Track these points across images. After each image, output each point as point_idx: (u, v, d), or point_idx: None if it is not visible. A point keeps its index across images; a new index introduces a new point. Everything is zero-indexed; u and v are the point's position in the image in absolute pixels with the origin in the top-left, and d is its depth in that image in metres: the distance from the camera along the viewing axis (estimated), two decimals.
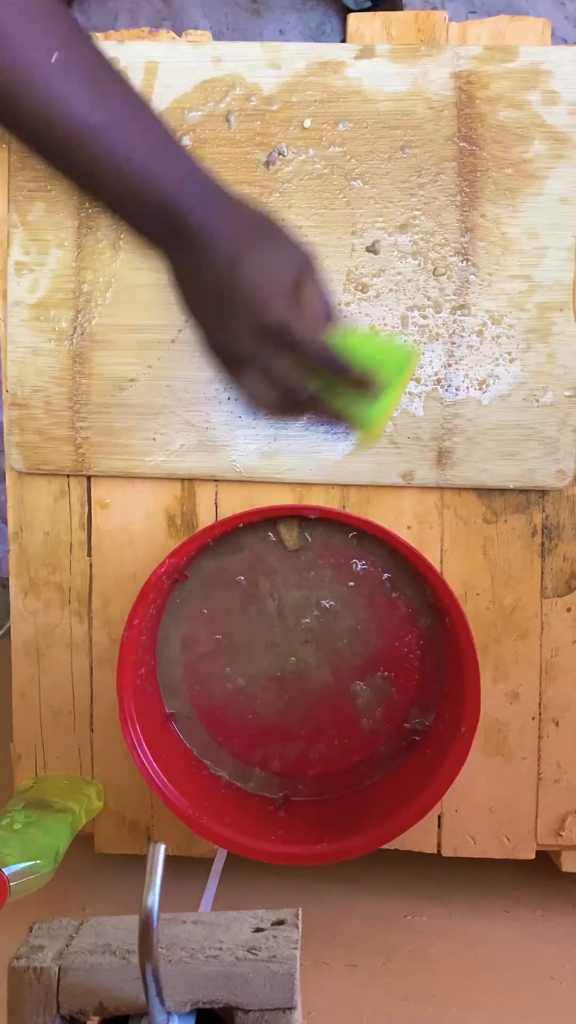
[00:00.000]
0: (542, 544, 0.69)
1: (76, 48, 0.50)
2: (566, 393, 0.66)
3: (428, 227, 0.66)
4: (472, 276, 0.66)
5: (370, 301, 0.67)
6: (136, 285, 0.67)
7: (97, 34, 0.65)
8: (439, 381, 0.67)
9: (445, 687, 0.68)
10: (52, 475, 0.70)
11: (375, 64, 0.66)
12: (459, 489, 0.68)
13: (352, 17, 0.68)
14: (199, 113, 0.67)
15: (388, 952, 0.68)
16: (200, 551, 0.68)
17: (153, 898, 0.36)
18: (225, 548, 0.68)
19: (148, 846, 0.37)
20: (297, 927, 0.43)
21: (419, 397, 0.67)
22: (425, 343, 0.67)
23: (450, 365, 0.67)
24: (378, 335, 0.66)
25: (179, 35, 0.68)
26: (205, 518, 0.70)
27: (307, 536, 0.68)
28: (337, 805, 0.70)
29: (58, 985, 0.40)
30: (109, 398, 0.68)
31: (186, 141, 0.66)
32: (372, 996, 0.63)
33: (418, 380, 0.67)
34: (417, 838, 0.70)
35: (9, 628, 0.73)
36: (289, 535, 0.68)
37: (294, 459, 0.68)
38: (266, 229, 0.53)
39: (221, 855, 0.68)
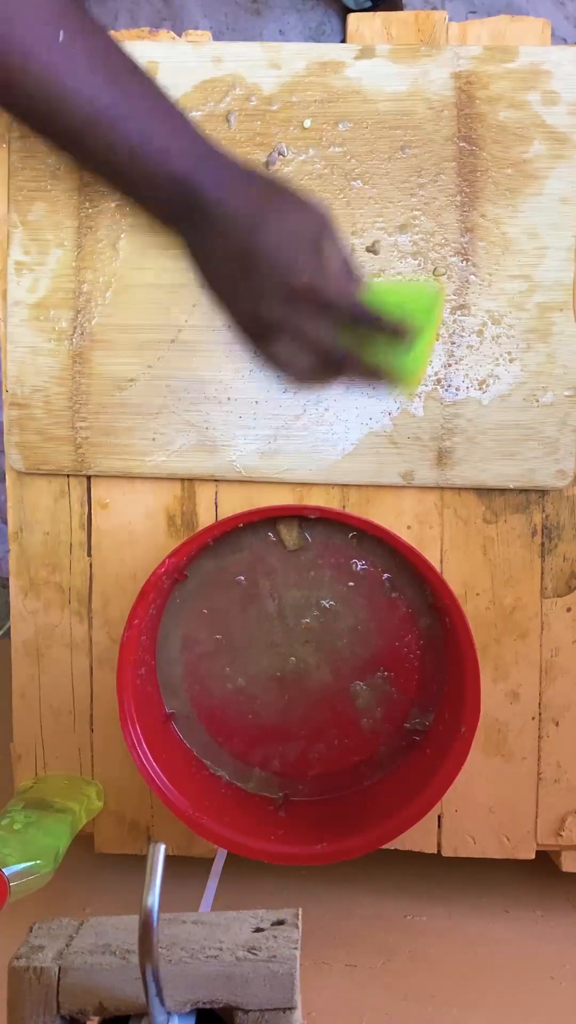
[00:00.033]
0: (542, 544, 0.69)
1: (81, 28, 0.50)
2: (566, 393, 0.66)
3: (428, 227, 0.66)
4: (472, 276, 0.66)
5: None
6: (136, 285, 0.67)
7: None
8: (439, 381, 0.67)
9: (445, 687, 0.68)
10: (52, 475, 0.70)
11: (375, 64, 0.66)
12: (459, 489, 0.68)
13: (352, 17, 0.68)
14: (199, 113, 0.67)
15: (388, 952, 0.68)
16: (200, 551, 0.68)
17: (153, 898, 0.36)
18: (225, 548, 0.68)
19: (148, 846, 0.37)
20: (297, 927, 0.43)
21: (419, 397, 0.67)
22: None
23: (450, 365, 0.67)
24: (401, 282, 0.65)
25: (179, 35, 0.68)
26: (205, 518, 0.70)
27: (307, 536, 0.68)
28: (337, 805, 0.70)
29: (58, 985, 0.40)
30: (109, 398, 0.68)
31: None
32: (372, 996, 0.63)
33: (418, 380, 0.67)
34: (417, 838, 0.70)
35: (9, 628, 0.73)
36: (289, 535, 0.68)
37: (294, 459, 0.68)
38: (280, 194, 0.52)
39: (221, 855, 0.68)
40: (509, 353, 0.66)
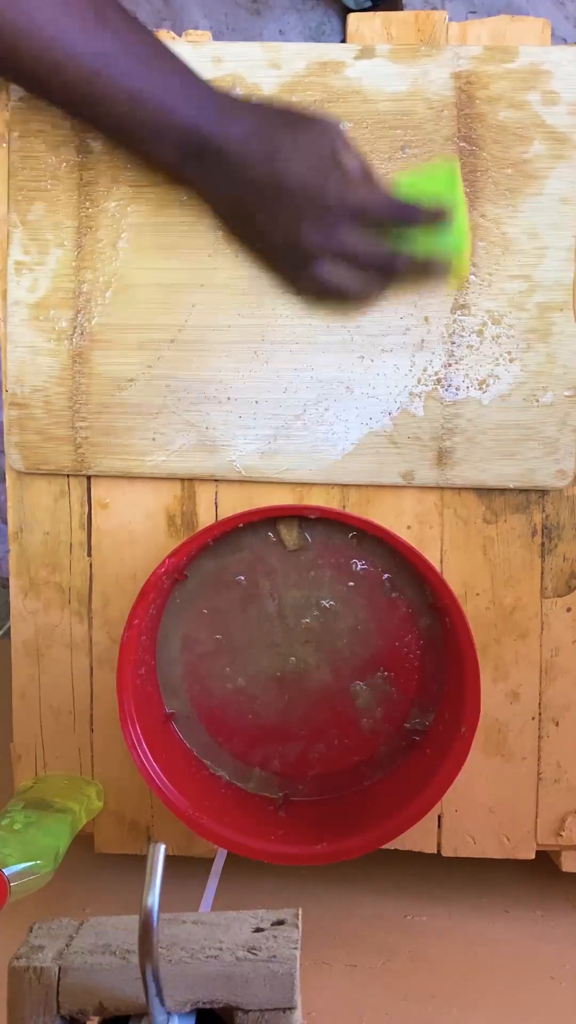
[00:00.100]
0: (542, 544, 0.69)
1: None
2: (566, 393, 0.66)
3: None
4: (472, 276, 0.66)
5: None
6: (136, 285, 0.67)
7: None
8: (439, 381, 0.67)
9: (445, 687, 0.68)
10: (52, 475, 0.70)
11: (375, 64, 0.66)
12: (459, 489, 0.68)
13: (352, 17, 0.68)
14: None
15: (388, 952, 0.68)
16: (200, 551, 0.68)
17: (153, 898, 0.36)
18: (225, 548, 0.68)
19: (148, 846, 0.37)
20: (297, 927, 0.43)
21: (419, 397, 0.67)
22: (425, 343, 0.67)
23: (450, 365, 0.67)
24: (417, 169, 0.65)
25: (179, 35, 0.68)
26: (205, 518, 0.70)
27: (307, 536, 0.68)
28: (337, 805, 0.70)
29: (58, 985, 0.40)
30: (109, 398, 0.68)
31: None
32: (372, 996, 0.63)
33: (418, 380, 0.67)
34: (417, 838, 0.70)
35: (9, 628, 0.73)
36: (289, 535, 0.68)
37: (294, 459, 0.68)
38: (285, 118, 0.52)
39: (221, 855, 0.68)
40: (509, 353, 0.66)
